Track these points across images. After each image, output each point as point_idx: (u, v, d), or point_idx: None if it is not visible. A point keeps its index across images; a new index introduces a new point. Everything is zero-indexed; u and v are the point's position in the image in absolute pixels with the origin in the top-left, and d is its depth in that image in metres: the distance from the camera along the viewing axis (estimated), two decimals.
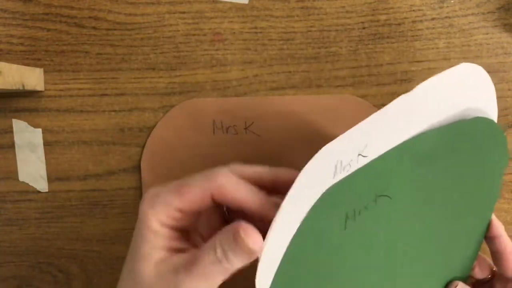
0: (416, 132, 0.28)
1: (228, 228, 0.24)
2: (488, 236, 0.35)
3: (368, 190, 0.27)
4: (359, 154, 0.25)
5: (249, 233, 0.23)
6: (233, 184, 0.26)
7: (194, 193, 0.25)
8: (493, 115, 0.32)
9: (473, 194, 0.33)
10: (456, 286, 0.34)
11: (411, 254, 0.31)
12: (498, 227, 0.34)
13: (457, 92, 0.29)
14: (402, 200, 0.29)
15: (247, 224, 0.23)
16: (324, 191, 0.25)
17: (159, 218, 0.25)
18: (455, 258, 0.34)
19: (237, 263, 0.24)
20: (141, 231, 0.25)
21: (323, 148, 0.23)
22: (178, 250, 0.26)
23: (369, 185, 0.27)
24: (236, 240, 0.23)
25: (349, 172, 0.25)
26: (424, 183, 0.30)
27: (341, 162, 0.25)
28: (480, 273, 0.36)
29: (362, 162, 0.26)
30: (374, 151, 0.26)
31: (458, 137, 0.30)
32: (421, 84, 0.27)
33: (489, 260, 0.36)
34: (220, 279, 0.24)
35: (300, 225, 0.24)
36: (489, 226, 0.34)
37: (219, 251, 0.24)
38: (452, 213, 0.32)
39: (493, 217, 0.34)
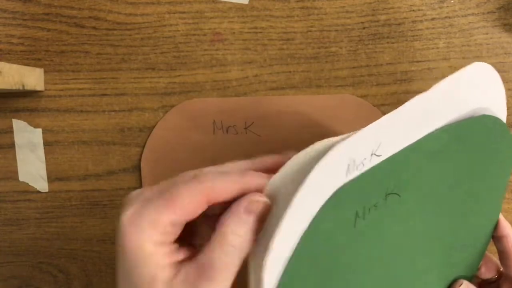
0: (429, 131, 0.28)
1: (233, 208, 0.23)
2: (495, 236, 0.34)
3: (379, 189, 0.27)
4: (372, 153, 0.25)
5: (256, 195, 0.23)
6: (222, 181, 0.24)
7: (187, 201, 0.22)
8: (502, 115, 0.32)
9: (480, 193, 0.33)
10: (460, 285, 0.34)
11: (416, 251, 0.31)
12: (506, 227, 0.34)
13: (470, 91, 0.29)
14: (410, 198, 0.29)
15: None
16: (336, 189, 0.25)
17: (152, 239, 0.22)
18: (461, 257, 0.34)
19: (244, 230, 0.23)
20: (133, 255, 0.22)
21: (337, 146, 0.23)
22: (184, 259, 0.23)
23: (380, 184, 0.27)
24: (247, 209, 0.22)
25: (362, 171, 0.25)
26: (432, 182, 0.30)
27: (354, 160, 0.25)
28: (486, 273, 0.36)
29: (375, 161, 0.26)
30: (387, 150, 0.26)
31: (466, 135, 0.30)
32: (437, 84, 0.27)
33: (496, 260, 0.36)
34: (235, 271, 0.23)
35: (310, 222, 0.24)
36: (496, 225, 0.34)
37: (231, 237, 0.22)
38: (458, 212, 0.32)
39: (501, 216, 0.34)
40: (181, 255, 0.24)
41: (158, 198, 0.23)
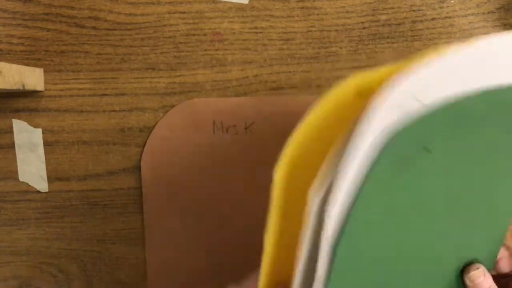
0: (473, 89, 0.27)
1: None
2: None
3: (415, 140, 0.26)
4: (416, 99, 0.25)
5: None
6: None
7: None
8: None
9: None
10: (477, 269, 0.33)
11: (436, 222, 0.30)
12: None
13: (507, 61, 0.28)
14: (441, 159, 0.28)
15: None
16: (383, 131, 0.24)
17: None
18: (480, 240, 0.32)
19: None
20: None
21: (386, 87, 0.23)
22: None
23: (417, 135, 0.26)
24: None
25: (404, 116, 0.25)
26: (466, 148, 0.29)
27: (401, 105, 0.24)
28: (504, 267, 0.35)
29: (416, 106, 0.25)
30: (429, 98, 0.26)
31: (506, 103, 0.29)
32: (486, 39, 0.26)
33: None
34: None
35: (368, 167, 0.24)
36: None
37: None
38: (486, 188, 0.31)
39: None
40: None
41: None
